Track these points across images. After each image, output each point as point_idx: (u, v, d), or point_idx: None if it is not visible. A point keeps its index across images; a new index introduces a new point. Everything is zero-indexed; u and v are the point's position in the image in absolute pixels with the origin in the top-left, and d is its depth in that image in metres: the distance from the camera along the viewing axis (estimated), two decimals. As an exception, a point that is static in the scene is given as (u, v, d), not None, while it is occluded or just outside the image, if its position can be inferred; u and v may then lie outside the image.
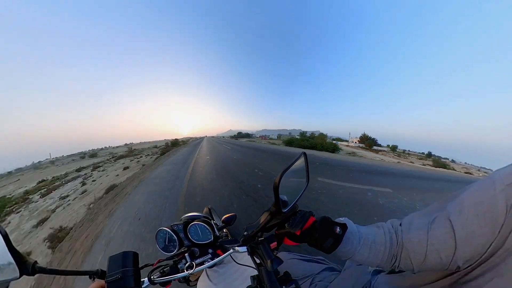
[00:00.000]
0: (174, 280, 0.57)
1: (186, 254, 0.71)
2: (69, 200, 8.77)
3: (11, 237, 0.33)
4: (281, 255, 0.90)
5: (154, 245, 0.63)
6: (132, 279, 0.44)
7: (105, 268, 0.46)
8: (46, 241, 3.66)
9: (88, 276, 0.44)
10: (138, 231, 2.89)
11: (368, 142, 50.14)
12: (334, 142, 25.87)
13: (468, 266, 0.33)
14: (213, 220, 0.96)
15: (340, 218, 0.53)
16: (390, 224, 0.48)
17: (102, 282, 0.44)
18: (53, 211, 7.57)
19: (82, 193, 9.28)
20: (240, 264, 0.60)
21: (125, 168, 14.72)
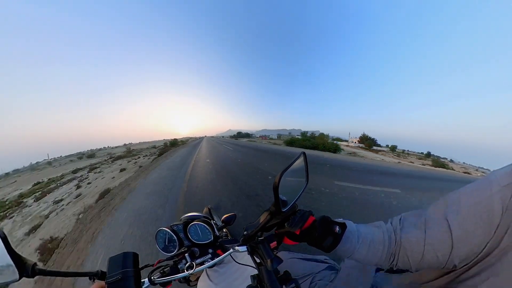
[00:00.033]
0: (175, 280, 0.57)
1: (186, 254, 0.71)
2: (63, 205, 8.71)
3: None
4: (281, 254, 0.90)
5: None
6: (133, 280, 0.44)
7: (105, 269, 0.46)
8: (37, 251, 3.58)
9: (88, 278, 0.44)
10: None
11: (367, 142, 50.18)
12: (335, 142, 25.82)
13: (465, 265, 0.34)
14: (213, 220, 0.96)
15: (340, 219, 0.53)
16: (389, 223, 0.48)
17: (102, 283, 0.44)
18: (46, 217, 7.46)
19: (77, 197, 9.23)
20: (240, 264, 0.61)
21: (121, 170, 14.60)
